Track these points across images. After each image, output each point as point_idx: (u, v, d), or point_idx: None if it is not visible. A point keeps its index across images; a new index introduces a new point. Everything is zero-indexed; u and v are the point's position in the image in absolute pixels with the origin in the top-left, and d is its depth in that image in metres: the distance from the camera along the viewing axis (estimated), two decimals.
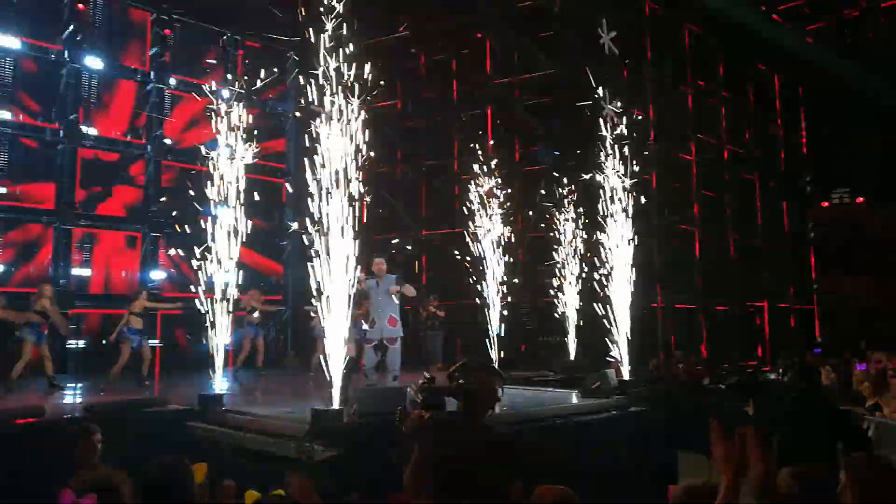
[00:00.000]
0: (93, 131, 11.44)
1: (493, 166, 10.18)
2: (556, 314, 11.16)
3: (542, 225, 11.47)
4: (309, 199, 5.66)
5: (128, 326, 8.65)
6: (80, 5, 11.11)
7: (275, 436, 5.63)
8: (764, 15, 14.15)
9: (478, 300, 9.88)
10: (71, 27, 11.03)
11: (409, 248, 12.99)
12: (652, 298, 11.92)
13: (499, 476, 2.37)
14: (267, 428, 5.86)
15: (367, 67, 5.80)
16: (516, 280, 12.11)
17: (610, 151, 8.52)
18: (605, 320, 10.55)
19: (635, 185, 8.90)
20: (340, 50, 5.80)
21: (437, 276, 12.91)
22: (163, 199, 11.82)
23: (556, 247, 10.75)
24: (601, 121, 8.77)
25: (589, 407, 7.07)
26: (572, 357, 10.27)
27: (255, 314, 10.00)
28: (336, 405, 5.52)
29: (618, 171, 8.82)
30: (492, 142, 12.23)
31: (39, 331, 8.14)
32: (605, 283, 8.59)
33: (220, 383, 6.96)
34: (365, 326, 7.79)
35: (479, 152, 10.26)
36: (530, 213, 11.81)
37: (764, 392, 8.82)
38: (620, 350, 8.57)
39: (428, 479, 2.34)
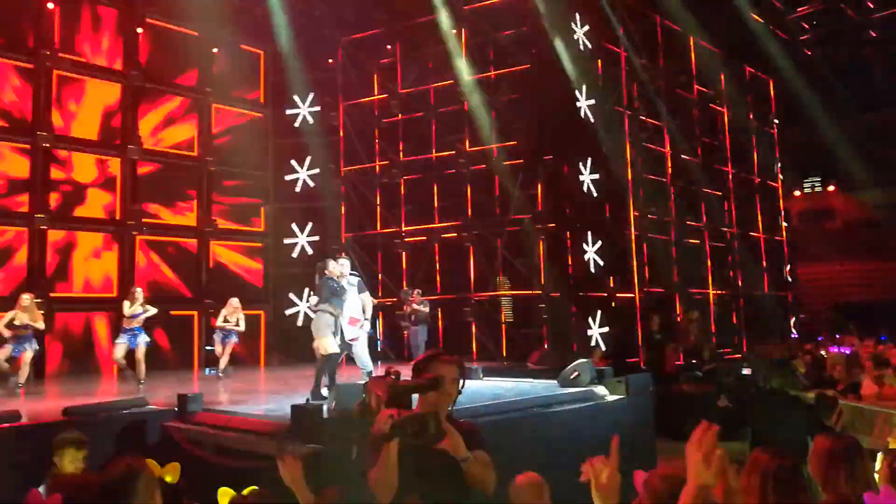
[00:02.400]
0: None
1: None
2: (536, 306, 11.31)
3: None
4: None
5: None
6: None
7: (255, 433, 5.66)
8: (735, 8, 14.35)
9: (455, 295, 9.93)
10: None
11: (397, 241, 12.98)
12: (629, 288, 12.08)
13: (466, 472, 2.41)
14: (247, 426, 5.88)
15: None
16: (501, 276, 12.25)
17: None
18: (583, 311, 10.72)
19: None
20: None
21: (418, 271, 12.94)
22: None
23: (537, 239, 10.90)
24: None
25: (566, 397, 7.16)
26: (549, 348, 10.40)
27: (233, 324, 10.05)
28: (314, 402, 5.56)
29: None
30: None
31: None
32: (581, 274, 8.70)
33: (199, 383, 6.96)
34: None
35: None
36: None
37: (738, 385, 9.01)
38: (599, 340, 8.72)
39: (395, 479, 2.35)
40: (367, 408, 5.07)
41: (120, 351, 8.70)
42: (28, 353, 8.22)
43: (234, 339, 10.08)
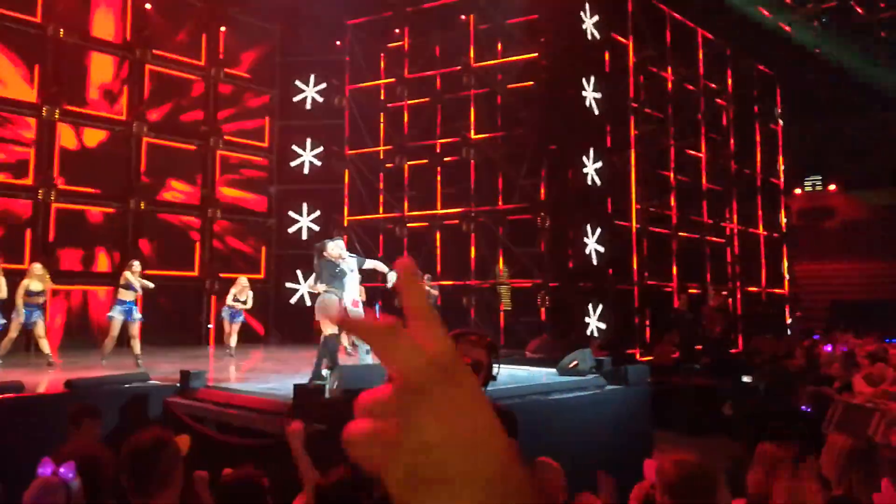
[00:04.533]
0: None
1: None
2: (536, 295, 11.35)
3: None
4: None
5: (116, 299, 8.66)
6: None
7: (258, 411, 5.71)
8: (743, 3, 14.30)
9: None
10: None
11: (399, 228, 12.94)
12: (628, 280, 12.13)
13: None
14: (250, 404, 5.93)
15: None
16: (502, 265, 12.27)
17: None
18: (582, 301, 10.76)
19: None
20: None
21: (419, 257, 12.95)
22: None
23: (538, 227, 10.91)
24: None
25: (565, 385, 7.23)
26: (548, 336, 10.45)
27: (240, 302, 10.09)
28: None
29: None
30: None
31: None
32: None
33: (201, 360, 6.99)
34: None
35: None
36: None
37: (741, 394, 9.09)
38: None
39: None
40: None
41: (116, 326, 8.60)
42: (40, 325, 8.29)
43: (241, 319, 10.15)
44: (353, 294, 7.60)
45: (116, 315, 8.54)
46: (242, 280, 10.20)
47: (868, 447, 2.64)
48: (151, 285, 8.98)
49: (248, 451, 5.11)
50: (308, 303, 11.67)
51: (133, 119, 11.66)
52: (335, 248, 7.26)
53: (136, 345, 8.59)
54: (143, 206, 11.63)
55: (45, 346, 8.28)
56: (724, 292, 12.94)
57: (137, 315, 8.69)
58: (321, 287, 7.09)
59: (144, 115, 11.77)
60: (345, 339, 7.88)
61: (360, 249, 11.82)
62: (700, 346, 11.24)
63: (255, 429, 5.55)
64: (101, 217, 11.55)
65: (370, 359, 7.22)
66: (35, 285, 8.26)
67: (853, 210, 20.46)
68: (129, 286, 8.60)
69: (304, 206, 13.20)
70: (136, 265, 8.87)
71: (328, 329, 6.94)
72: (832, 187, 21.38)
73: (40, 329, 8.28)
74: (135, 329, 8.59)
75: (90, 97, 11.51)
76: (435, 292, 11.31)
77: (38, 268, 8.42)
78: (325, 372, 6.80)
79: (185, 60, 12.61)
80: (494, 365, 2.41)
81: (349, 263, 7.59)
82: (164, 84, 12.35)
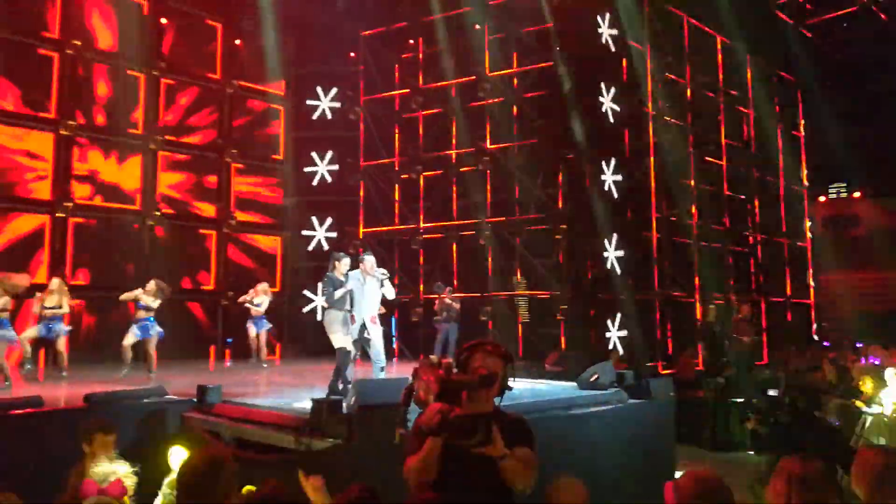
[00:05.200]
0: None
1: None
2: (554, 307, 11.18)
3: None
4: None
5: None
6: None
7: (275, 426, 5.63)
8: (763, 9, 14.13)
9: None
10: None
11: (418, 239, 12.84)
12: (649, 291, 11.93)
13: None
14: (266, 419, 5.86)
15: None
16: (519, 276, 12.13)
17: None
18: (601, 313, 10.58)
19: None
20: None
21: (434, 269, 12.87)
22: None
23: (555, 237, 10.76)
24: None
25: (586, 399, 7.07)
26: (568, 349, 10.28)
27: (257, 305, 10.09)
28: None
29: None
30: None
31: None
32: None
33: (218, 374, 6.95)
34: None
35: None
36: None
37: (767, 407, 8.85)
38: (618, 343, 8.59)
39: (434, 473, 2.32)
40: (416, 395, 5.03)
41: (129, 339, 8.54)
42: (62, 340, 8.35)
43: (267, 326, 10.16)
44: (372, 310, 7.50)
45: (132, 332, 8.51)
46: (261, 286, 10.29)
47: None
48: (158, 302, 8.91)
49: (267, 465, 5.03)
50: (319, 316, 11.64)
51: (147, 132, 11.75)
52: (341, 265, 7.10)
53: (152, 361, 8.55)
54: (158, 215, 11.71)
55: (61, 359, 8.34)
56: (749, 304, 12.67)
57: (154, 331, 8.63)
58: (332, 302, 6.95)
59: (159, 128, 11.86)
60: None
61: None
62: (727, 359, 10.96)
63: (272, 444, 5.48)
64: (115, 231, 11.60)
65: (384, 374, 7.12)
66: (51, 300, 8.31)
67: (880, 217, 20.01)
68: (142, 304, 8.58)
69: (317, 219, 13.20)
70: (151, 284, 8.80)
71: (336, 343, 6.85)
72: (857, 194, 20.96)
73: (61, 343, 8.32)
74: (151, 345, 8.57)
75: (106, 113, 11.61)
76: (457, 305, 11.16)
77: (55, 283, 8.49)
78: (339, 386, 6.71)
79: (199, 74, 12.72)
80: (510, 375, 2.47)
81: (373, 279, 7.44)
82: (179, 97, 12.45)
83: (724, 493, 2.20)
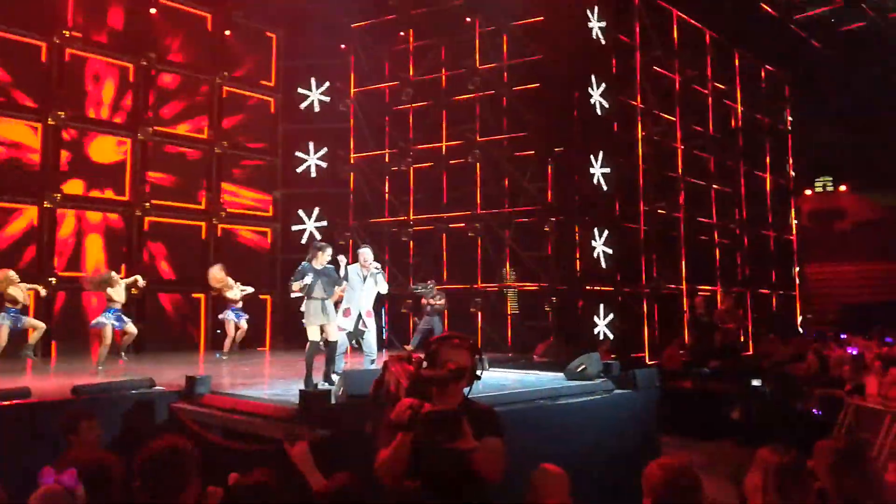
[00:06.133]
0: None
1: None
2: (543, 299, 11.27)
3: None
4: None
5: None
6: None
7: (263, 417, 5.67)
8: (751, 4, 14.19)
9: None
10: None
11: (408, 231, 12.85)
12: (636, 283, 12.04)
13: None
14: (255, 409, 5.89)
15: None
16: (508, 268, 12.20)
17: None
18: (589, 305, 10.67)
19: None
20: None
21: (424, 261, 12.91)
22: None
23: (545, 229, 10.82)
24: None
25: (572, 389, 7.15)
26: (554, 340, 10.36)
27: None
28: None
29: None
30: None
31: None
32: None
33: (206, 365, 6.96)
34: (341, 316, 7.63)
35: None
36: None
37: (750, 398, 8.98)
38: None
39: (405, 467, 2.35)
40: (386, 389, 5.05)
41: (108, 333, 8.52)
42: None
43: (244, 318, 10.21)
44: (369, 304, 7.53)
45: (106, 321, 8.48)
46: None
47: (857, 445, 2.57)
48: (142, 282, 9.14)
49: (254, 456, 5.07)
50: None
51: (137, 124, 11.69)
52: (323, 256, 7.03)
53: (125, 346, 8.87)
54: (147, 207, 11.67)
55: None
56: (734, 294, 12.82)
57: (126, 321, 8.75)
58: (311, 293, 6.75)
59: (148, 120, 11.80)
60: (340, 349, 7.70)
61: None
62: (713, 349, 11.12)
63: (261, 435, 5.52)
64: (106, 223, 11.56)
65: (374, 366, 7.16)
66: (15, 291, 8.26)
67: (864, 211, 20.27)
68: (113, 296, 8.59)
69: (305, 211, 13.18)
70: (114, 275, 8.81)
71: (310, 335, 6.80)
72: (843, 188, 21.19)
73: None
74: (126, 336, 8.80)
75: (96, 104, 11.54)
76: (442, 301, 11.13)
77: (12, 275, 8.34)
78: (333, 376, 6.74)
79: (189, 65, 12.64)
80: (479, 366, 2.48)
81: (358, 273, 7.46)
82: (167, 89, 12.38)
83: (691, 479, 2.23)
